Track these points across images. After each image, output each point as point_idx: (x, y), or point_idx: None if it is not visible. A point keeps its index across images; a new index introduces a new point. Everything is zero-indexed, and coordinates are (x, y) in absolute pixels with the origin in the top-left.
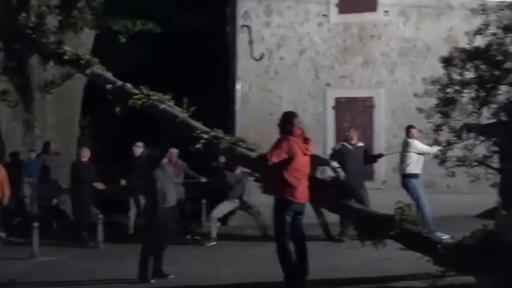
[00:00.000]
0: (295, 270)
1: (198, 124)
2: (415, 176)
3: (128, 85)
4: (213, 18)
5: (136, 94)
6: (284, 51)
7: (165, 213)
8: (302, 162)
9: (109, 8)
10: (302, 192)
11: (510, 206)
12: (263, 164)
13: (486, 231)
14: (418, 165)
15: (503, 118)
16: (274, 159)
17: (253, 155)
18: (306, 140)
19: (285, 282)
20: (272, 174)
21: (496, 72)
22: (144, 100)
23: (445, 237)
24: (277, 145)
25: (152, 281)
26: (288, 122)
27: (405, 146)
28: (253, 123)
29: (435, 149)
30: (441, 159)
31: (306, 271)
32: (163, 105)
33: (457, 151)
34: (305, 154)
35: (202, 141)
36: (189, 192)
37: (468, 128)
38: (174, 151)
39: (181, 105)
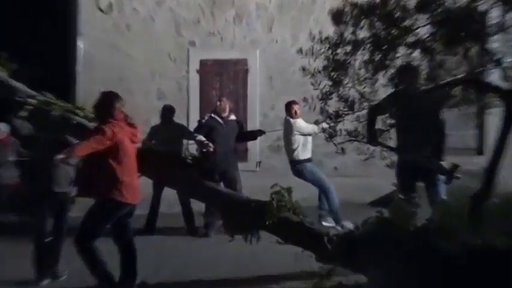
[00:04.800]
0: (111, 276)
1: (21, 86)
2: (306, 160)
3: None
4: None
5: None
6: (137, 1)
7: None
8: (131, 152)
9: None
10: (133, 190)
11: (408, 189)
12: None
13: (381, 218)
14: (307, 147)
15: (400, 85)
16: (95, 146)
17: (92, 125)
18: (132, 125)
19: None
20: (93, 169)
21: (394, 31)
22: None
23: (350, 226)
24: (97, 130)
25: None
26: (108, 104)
27: (287, 127)
28: (99, 88)
29: (322, 126)
30: (329, 133)
31: (135, 274)
32: None
33: (347, 124)
34: (133, 142)
35: (29, 107)
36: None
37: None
38: (1, 127)
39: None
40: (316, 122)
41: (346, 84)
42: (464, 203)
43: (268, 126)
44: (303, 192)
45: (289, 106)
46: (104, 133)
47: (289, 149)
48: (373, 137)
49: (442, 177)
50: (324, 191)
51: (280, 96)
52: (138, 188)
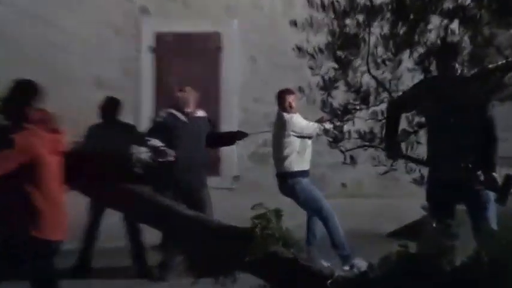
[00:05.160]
0: None
1: None
2: (301, 174)
3: None
4: None
5: None
6: None
7: None
8: (53, 169)
9: None
10: (57, 221)
11: (444, 214)
12: None
13: (405, 254)
14: (304, 156)
15: (433, 69)
16: (1, 165)
17: None
18: (55, 130)
19: None
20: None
21: None
22: None
23: (363, 264)
24: (4, 141)
25: None
26: (20, 100)
27: (280, 125)
28: (12, 74)
29: (324, 127)
30: (333, 136)
31: None
32: None
33: (359, 123)
34: (56, 153)
35: None
36: None
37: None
38: None
39: None
40: (320, 120)
41: (358, 67)
42: None
43: (251, 126)
44: (298, 217)
45: (282, 96)
46: (14, 145)
47: (280, 156)
48: (393, 146)
49: (491, 196)
50: (322, 218)
51: (267, 85)
52: (64, 218)
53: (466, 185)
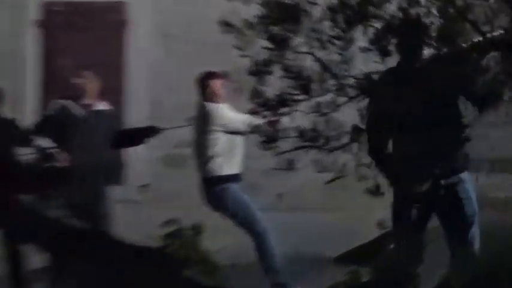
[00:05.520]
0: None
1: None
2: (231, 178)
3: None
4: None
5: None
6: None
7: None
8: None
9: None
10: None
11: (411, 231)
12: None
13: (355, 282)
14: (234, 157)
15: (392, 50)
16: None
17: None
18: None
19: None
20: None
21: None
22: None
23: None
24: None
25: None
26: None
27: (202, 119)
28: None
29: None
30: (269, 135)
31: None
32: None
33: (299, 118)
34: None
35: None
36: None
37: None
38: None
39: None
40: (254, 112)
41: (298, 47)
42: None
43: (164, 120)
44: (229, 236)
45: (204, 82)
46: None
47: (203, 157)
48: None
49: (476, 209)
50: (255, 235)
51: (185, 68)
52: None
53: (446, 194)
